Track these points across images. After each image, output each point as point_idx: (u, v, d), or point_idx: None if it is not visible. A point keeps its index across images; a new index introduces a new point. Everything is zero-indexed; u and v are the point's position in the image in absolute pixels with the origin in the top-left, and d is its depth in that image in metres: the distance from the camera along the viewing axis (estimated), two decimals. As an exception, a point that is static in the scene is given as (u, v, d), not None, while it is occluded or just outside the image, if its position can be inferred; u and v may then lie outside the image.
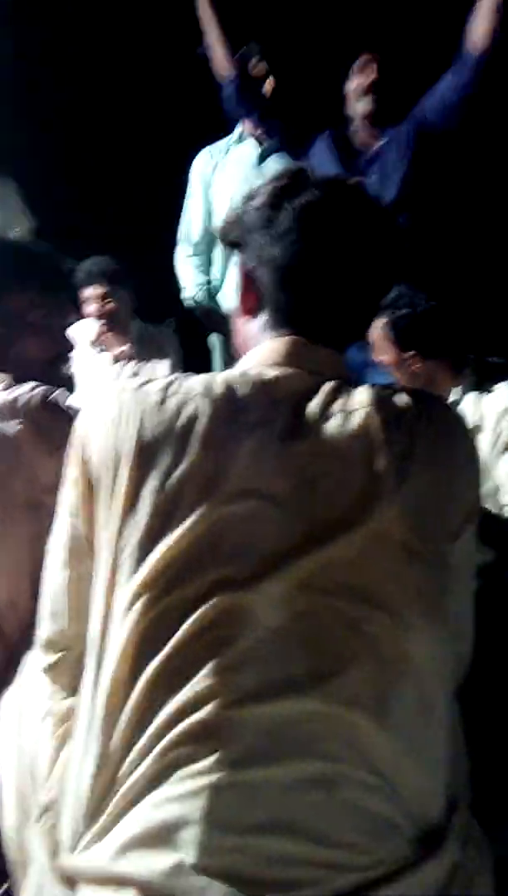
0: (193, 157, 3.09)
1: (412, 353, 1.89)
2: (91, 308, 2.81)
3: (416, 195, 2.33)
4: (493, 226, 2.99)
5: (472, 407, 1.88)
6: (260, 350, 0.91)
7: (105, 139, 3.78)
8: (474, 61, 2.14)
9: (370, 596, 0.80)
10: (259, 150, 2.89)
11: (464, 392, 1.90)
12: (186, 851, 0.72)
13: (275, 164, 2.71)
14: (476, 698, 0.97)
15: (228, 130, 3.01)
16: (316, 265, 0.88)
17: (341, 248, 0.89)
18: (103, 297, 2.78)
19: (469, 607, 0.97)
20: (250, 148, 2.95)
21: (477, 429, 1.87)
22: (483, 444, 1.86)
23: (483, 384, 1.90)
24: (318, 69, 2.46)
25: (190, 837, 0.73)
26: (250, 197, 0.93)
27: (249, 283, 0.93)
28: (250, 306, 0.93)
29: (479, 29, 2.13)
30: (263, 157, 2.87)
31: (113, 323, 2.83)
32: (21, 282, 1.33)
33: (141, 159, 3.65)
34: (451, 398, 1.90)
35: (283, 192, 0.90)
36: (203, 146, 3.08)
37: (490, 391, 1.87)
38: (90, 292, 2.78)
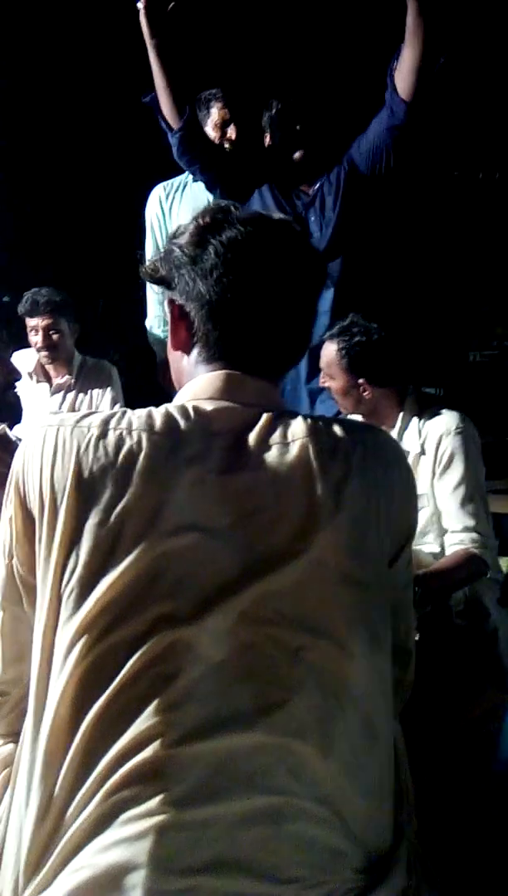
0: (149, 191, 3.07)
1: (362, 380, 1.93)
2: (35, 338, 2.79)
3: (354, 234, 2.38)
4: (428, 262, 3.08)
5: (415, 433, 1.93)
6: (195, 384, 0.92)
7: (56, 174, 3.79)
8: (402, 106, 2.16)
9: (311, 624, 0.80)
10: None
11: (407, 420, 1.95)
12: None
13: None
14: (422, 726, 0.98)
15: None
16: (244, 299, 0.90)
17: (267, 281, 0.90)
18: (47, 328, 2.77)
19: (410, 630, 0.98)
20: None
21: (421, 454, 1.91)
22: (426, 468, 1.90)
23: (422, 413, 1.95)
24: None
25: (136, 882, 0.71)
26: (176, 234, 0.94)
27: (178, 318, 0.94)
28: (182, 341, 0.94)
29: (406, 78, 2.12)
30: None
31: (56, 353, 2.81)
32: None
33: (94, 193, 3.67)
34: (396, 425, 1.94)
35: (208, 228, 0.91)
36: (160, 180, 3.07)
37: (430, 418, 1.92)
38: (35, 322, 2.76)
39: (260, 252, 0.90)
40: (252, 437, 0.85)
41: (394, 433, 1.93)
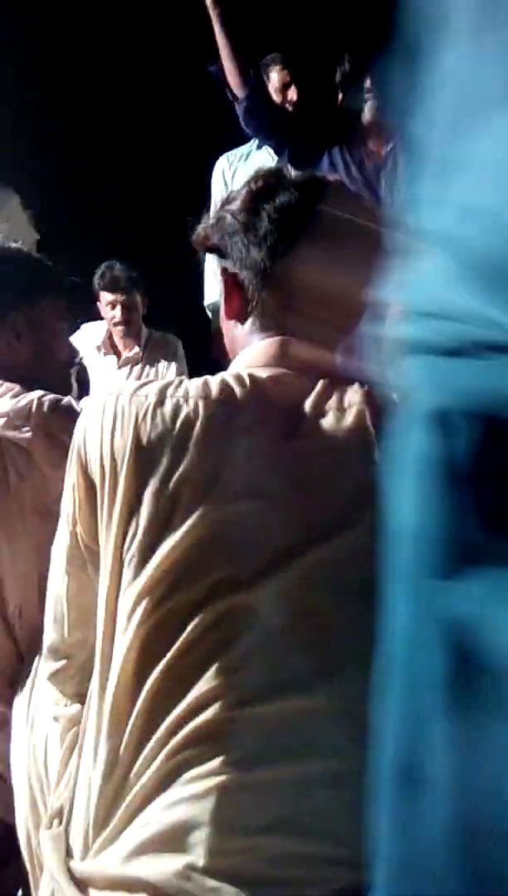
0: (209, 164, 3.09)
1: None
2: (113, 313, 2.84)
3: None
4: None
5: None
6: (250, 352, 0.91)
7: (116, 148, 3.82)
8: None
9: (371, 591, 0.80)
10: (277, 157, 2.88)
11: None
12: (195, 854, 0.73)
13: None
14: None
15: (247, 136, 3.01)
16: (299, 265, 0.88)
17: (322, 246, 0.88)
18: (126, 303, 2.82)
19: None
20: (269, 154, 2.94)
21: None
22: None
23: None
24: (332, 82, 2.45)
25: (199, 839, 0.73)
26: (227, 201, 0.93)
27: (233, 287, 0.93)
28: (236, 310, 0.93)
29: None
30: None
31: (130, 328, 2.86)
32: (46, 290, 1.37)
33: (154, 166, 3.69)
34: None
35: (259, 194, 0.90)
36: (222, 152, 3.08)
37: None
38: (113, 298, 2.82)
39: (313, 216, 0.88)
40: (308, 405, 0.85)
41: None
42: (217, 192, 3.01)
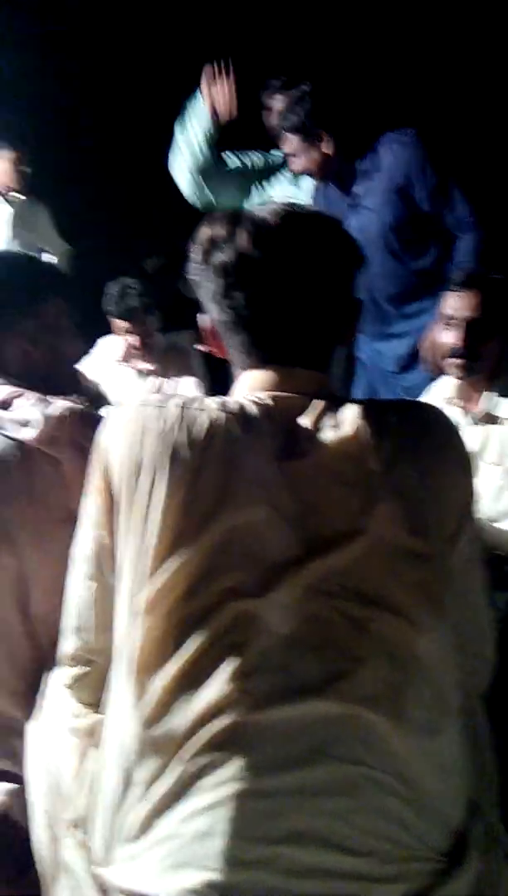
0: None
1: None
2: (129, 338, 2.83)
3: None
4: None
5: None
6: (247, 379, 0.94)
7: (139, 162, 3.88)
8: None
9: (375, 598, 0.81)
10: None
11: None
12: (213, 867, 0.73)
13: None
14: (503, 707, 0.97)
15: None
16: (257, 311, 0.92)
17: (275, 290, 0.91)
18: (138, 333, 2.81)
19: (485, 615, 0.96)
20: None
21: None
22: None
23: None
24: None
25: (217, 850, 0.73)
26: (188, 257, 0.96)
27: (211, 334, 0.98)
28: (221, 352, 0.98)
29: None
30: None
31: (149, 349, 2.86)
32: (51, 291, 1.38)
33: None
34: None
35: (203, 253, 0.93)
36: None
37: None
38: (128, 326, 2.80)
39: (251, 267, 0.91)
40: (306, 423, 0.87)
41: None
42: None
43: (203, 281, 0.93)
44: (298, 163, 2.42)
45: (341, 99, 2.35)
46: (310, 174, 2.49)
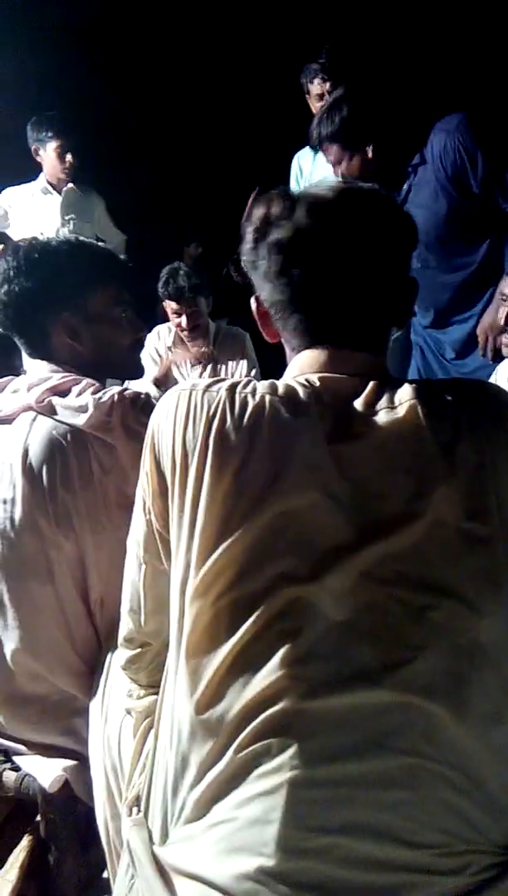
0: (275, 167, 3.18)
1: None
2: (180, 320, 2.87)
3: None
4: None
5: None
6: (299, 361, 0.93)
7: (191, 155, 3.92)
8: None
9: (435, 584, 0.79)
10: None
11: None
12: (268, 854, 0.72)
13: None
14: None
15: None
16: (310, 289, 0.90)
17: (329, 270, 0.90)
18: (192, 313, 2.85)
19: None
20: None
21: None
22: None
23: None
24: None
25: (271, 837, 0.73)
26: (241, 238, 0.95)
27: (263, 316, 0.97)
28: (271, 335, 0.98)
29: None
30: None
31: (199, 332, 2.89)
32: (97, 281, 1.36)
33: (229, 165, 3.77)
34: None
35: (257, 232, 0.92)
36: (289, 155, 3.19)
37: None
38: (179, 307, 2.84)
39: (309, 243, 0.89)
40: (360, 405, 0.86)
41: None
42: (293, 184, 3.11)
43: (257, 260, 0.92)
44: (341, 170, 2.38)
45: (378, 100, 2.25)
46: (355, 179, 2.45)
